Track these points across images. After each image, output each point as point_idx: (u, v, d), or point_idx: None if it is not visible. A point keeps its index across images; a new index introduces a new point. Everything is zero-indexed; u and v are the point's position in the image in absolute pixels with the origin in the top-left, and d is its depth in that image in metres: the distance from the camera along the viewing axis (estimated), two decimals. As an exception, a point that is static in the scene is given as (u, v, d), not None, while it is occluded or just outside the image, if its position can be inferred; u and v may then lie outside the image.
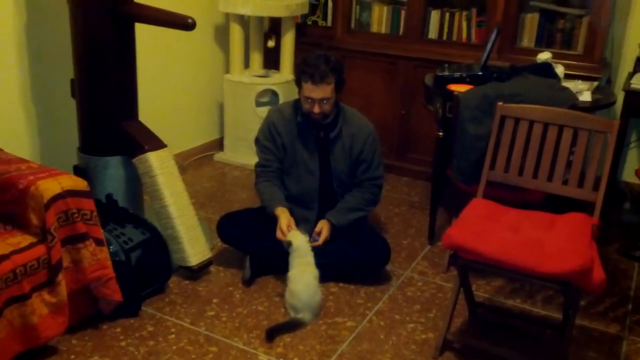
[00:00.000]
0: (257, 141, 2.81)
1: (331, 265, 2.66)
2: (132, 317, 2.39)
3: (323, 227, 2.66)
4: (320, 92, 2.57)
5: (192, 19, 2.44)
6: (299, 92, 2.66)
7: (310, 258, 2.49)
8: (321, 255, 2.67)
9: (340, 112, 2.74)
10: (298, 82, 2.64)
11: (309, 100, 2.60)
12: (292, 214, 2.71)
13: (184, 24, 2.47)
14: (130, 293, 2.37)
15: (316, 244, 2.61)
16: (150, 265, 2.48)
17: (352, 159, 2.75)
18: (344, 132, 2.73)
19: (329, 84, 2.57)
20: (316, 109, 2.60)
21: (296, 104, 2.76)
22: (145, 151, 2.61)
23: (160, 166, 2.61)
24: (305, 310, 2.40)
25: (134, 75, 2.73)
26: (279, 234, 2.55)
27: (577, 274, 1.94)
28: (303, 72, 2.58)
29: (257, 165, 2.80)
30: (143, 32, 2.76)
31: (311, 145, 2.73)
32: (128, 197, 2.74)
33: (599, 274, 2.01)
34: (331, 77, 2.57)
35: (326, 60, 2.59)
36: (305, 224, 2.73)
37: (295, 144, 2.74)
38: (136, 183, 2.76)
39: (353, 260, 2.68)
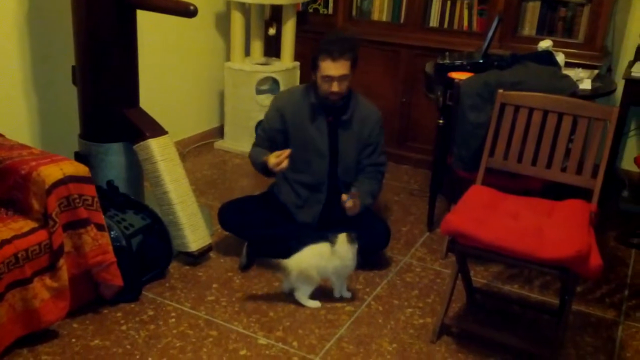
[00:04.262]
0: (260, 122, 2.85)
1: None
2: (132, 301, 2.41)
3: (356, 200, 2.63)
4: (339, 69, 2.58)
5: (194, 6, 2.44)
6: (316, 75, 2.66)
7: (340, 255, 2.45)
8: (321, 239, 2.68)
9: (352, 96, 2.75)
10: (315, 63, 2.64)
11: (328, 79, 2.60)
12: (300, 196, 2.77)
13: (185, 10, 2.47)
14: (131, 278, 2.39)
15: (346, 201, 2.58)
16: (150, 251, 2.50)
17: (360, 143, 2.77)
18: (355, 116, 2.75)
19: (347, 61, 2.59)
20: (335, 88, 2.60)
21: (308, 88, 2.77)
22: (146, 138, 2.62)
23: (161, 153, 2.63)
24: (293, 265, 2.42)
25: (136, 62, 2.73)
26: (272, 162, 2.57)
27: (574, 259, 1.95)
28: (321, 51, 2.59)
29: (256, 137, 2.87)
30: (145, 19, 2.77)
31: (322, 128, 2.74)
32: (129, 183, 2.76)
33: (595, 260, 2.02)
34: (349, 54, 2.59)
35: (344, 37, 2.64)
36: (317, 206, 2.77)
37: (305, 127, 2.74)
38: (137, 169, 2.77)
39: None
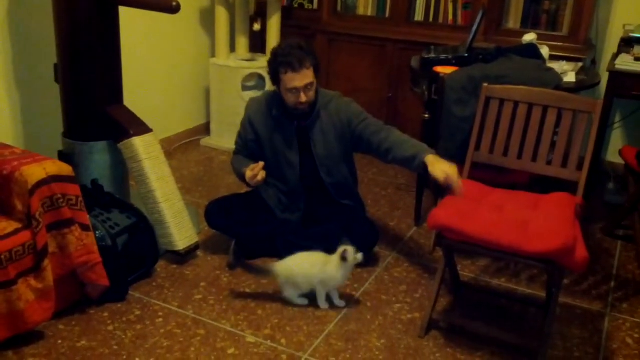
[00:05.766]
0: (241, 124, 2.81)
1: (320, 248, 2.68)
2: (119, 301, 2.39)
3: (450, 172, 2.29)
4: (303, 79, 2.51)
5: (177, 2, 2.42)
6: (279, 88, 2.59)
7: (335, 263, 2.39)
8: (310, 239, 2.68)
9: (317, 97, 2.66)
10: (275, 77, 2.56)
11: (294, 91, 2.53)
12: (281, 202, 2.75)
13: (168, 7, 2.45)
14: (117, 278, 2.37)
15: (458, 190, 2.26)
16: (137, 250, 2.48)
17: (343, 135, 2.68)
18: (323, 115, 2.67)
19: (309, 68, 2.52)
20: (303, 98, 2.53)
21: (271, 98, 2.70)
22: (130, 136, 2.60)
23: (146, 151, 2.61)
24: (280, 270, 2.40)
25: (119, 59, 2.70)
26: (248, 176, 2.55)
27: (560, 252, 1.96)
28: (281, 64, 2.50)
29: (235, 145, 2.83)
30: (128, 16, 2.74)
31: (289, 137, 2.68)
32: (114, 182, 2.73)
33: (581, 252, 2.03)
34: (309, 61, 2.51)
35: (298, 46, 2.53)
36: (297, 212, 2.75)
37: (273, 138, 2.69)
38: (122, 168, 2.75)
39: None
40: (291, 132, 2.68)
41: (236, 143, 2.82)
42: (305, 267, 2.40)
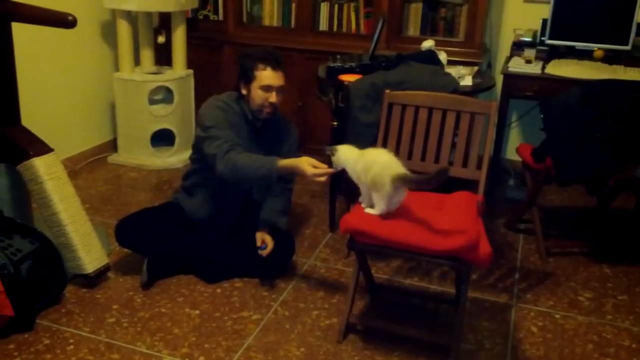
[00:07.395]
0: (209, 128, 2.51)
1: (237, 263, 2.67)
2: (26, 331, 2.28)
3: (266, 238, 2.65)
4: (280, 79, 2.55)
5: (73, 16, 2.35)
6: (249, 87, 2.55)
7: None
8: (226, 253, 2.66)
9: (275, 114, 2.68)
10: (249, 73, 2.53)
11: (268, 89, 2.52)
12: (210, 211, 2.70)
13: (63, 21, 2.38)
14: (23, 306, 2.26)
15: (265, 252, 2.63)
16: (42, 276, 2.38)
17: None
18: (274, 134, 2.71)
19: (284, 73, 2.57)
20: (274, 98, 2.54)
21: (238, 101, 2.62)
22: (30, 157, 2.49)
23: (47, 172, 2.50)
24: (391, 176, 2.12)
25: (14, 77, 2.58)
26: (311, 172, 2.26)
27: (464, 249, 2.05)
28: (260, 59, 2.52)
29: (223, 143, 2.45)
30: (24, 31, 2.62)
31: (252, 146, 2.61)
32: (14, 206, 2.61)
33: (485, 247, 2.13)
34: (283, 67, 2.58)
35: (273, 51, 2.60)
36: (226, 225, 2.72)
37: (244, 143, 2.59)
38: (23, 191, 2.63)
39: (258, 257, 2.68)
40: (253, 141, 2.65)
41: (224, 142, 2.45)
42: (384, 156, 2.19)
